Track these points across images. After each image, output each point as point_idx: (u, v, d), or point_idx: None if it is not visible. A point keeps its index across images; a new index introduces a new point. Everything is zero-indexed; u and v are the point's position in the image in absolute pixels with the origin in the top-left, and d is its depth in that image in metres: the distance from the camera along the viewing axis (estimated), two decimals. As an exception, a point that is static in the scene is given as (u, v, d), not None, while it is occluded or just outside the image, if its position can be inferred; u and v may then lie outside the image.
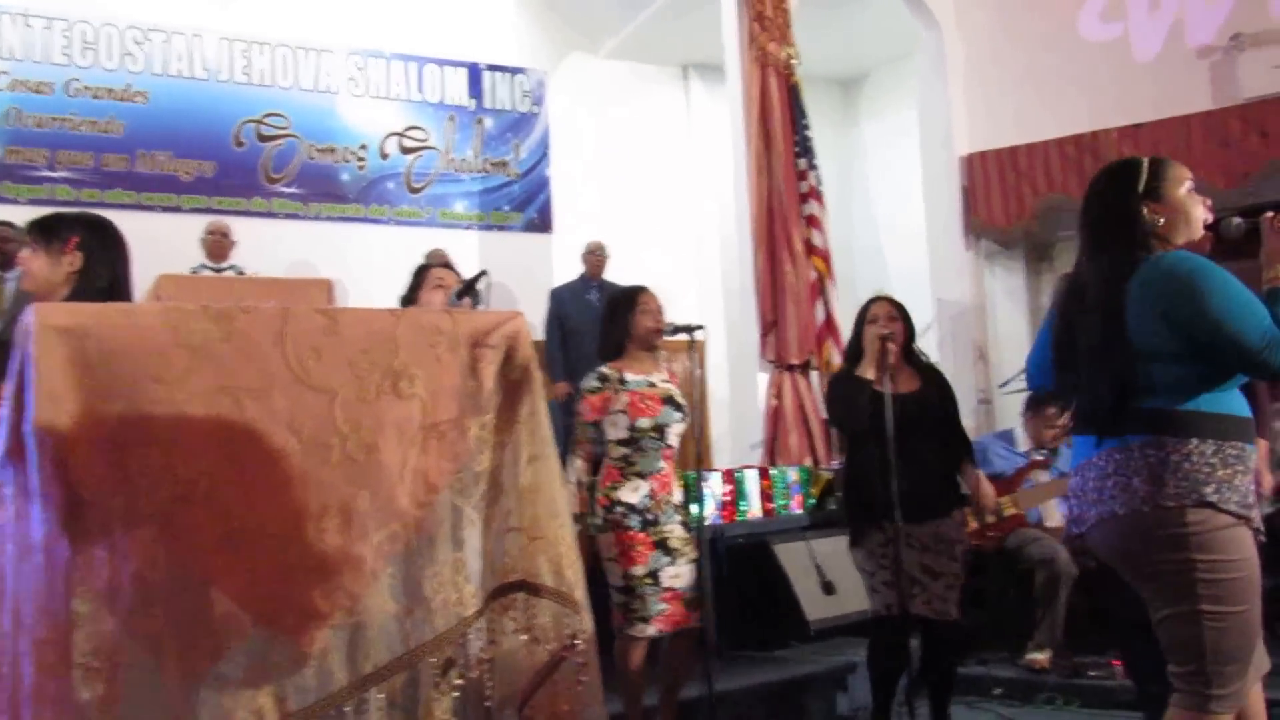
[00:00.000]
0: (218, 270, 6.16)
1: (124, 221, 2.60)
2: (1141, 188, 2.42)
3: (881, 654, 3.86)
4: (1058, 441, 5.05)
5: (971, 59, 7.44)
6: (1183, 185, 2.44)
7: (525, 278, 7.32)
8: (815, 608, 5.05)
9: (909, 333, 3.91)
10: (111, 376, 1.94)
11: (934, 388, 3.88)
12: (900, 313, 3.90)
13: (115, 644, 1.90)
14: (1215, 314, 2.25)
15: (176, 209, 6.74)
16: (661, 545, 3.56)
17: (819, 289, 6.54)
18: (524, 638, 2.31)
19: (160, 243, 5.94)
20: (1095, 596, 4.67)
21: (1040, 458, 5.02)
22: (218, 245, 6.20)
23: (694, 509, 3.83)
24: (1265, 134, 6.24)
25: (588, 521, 3.65)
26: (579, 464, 3.68)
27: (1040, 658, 4.63)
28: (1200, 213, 2.44)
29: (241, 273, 6.21)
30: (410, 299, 3.44)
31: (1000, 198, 7.15)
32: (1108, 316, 2.37)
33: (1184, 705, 2.29)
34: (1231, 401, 2.34)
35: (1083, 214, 2.53)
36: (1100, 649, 4.57)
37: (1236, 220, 2.44)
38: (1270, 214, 2.39)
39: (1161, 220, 2.40)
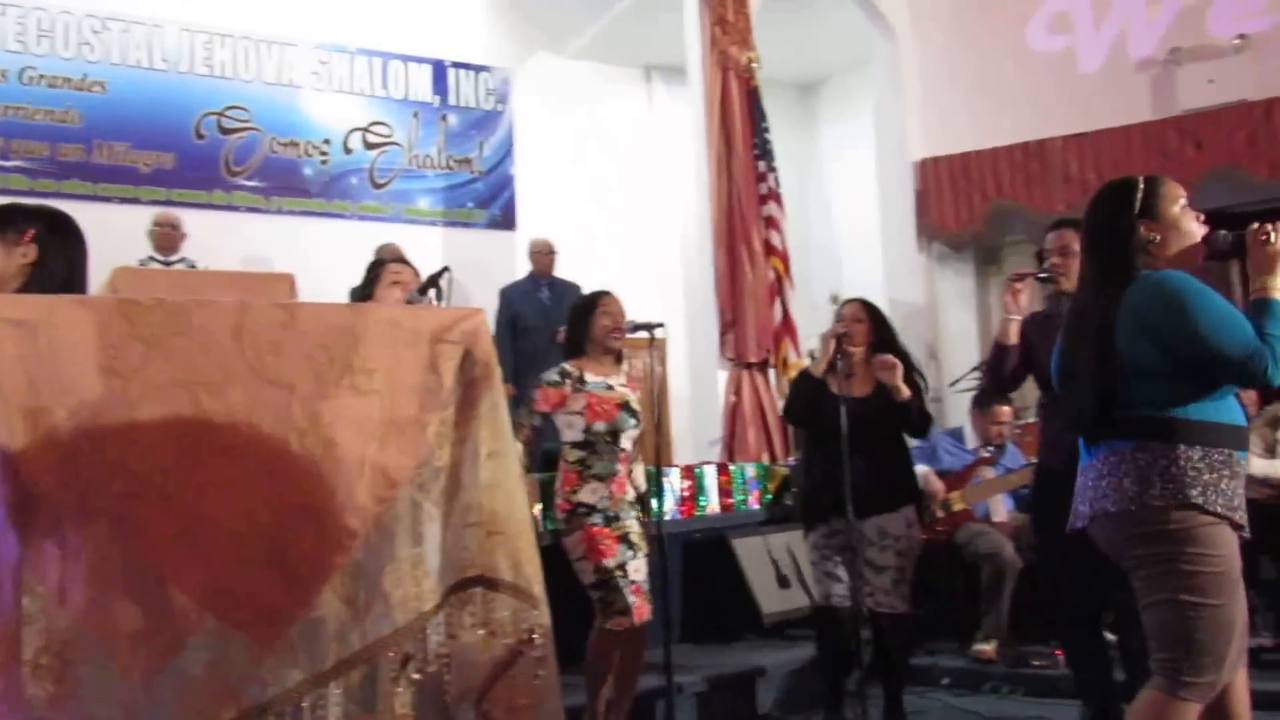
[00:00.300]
0: (167, 263, 6.00)
1: (80, 212, 2.55)
2: (1137, 207, 2.52)
3: (824, 643, 3.97)
4: (1004, 439, 5.18)
5: (925, 68, 7.61)
6: (1177, 203, 2.52)
7: (488, 275, 7.28)
8: (770, 601, 5.15)
9: (881, 335, 3.98)
10: (64, 370, 1.91)
11: (884, 388, 3.92)
12: (869, 315, 3.98)
13: (67, 641, 1.87)
14: (1199, 329, 2.38)
15: (135, 200, 6.63)
16: (624, 539, 3.61)
17: (777, 289, 6.66)
18: (482, 632, 2.30)
19: (117, 235, 5.83)
20: (1039, 589, 4.81)
21: (987, 454, 5.13)
22: (167, 238, 6.04)
23: (654, 504, 3.89)
24: (1200, 145, 6.48)
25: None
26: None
27: (986, 648, 4.73)
28: (1195, 228, 2.53)
29: (193, 265, 6.08)
30: (365, 295, 3.38)
31: (951, 202, 7.33)
32: (1098, 330, 2.52)
33: (1157, 687, 2.41)
34: (1221, 410, 2.44)
35: (1084, 233, 2.65)
36: (1043, 639, 4.68)
37: (1224, 233, 2.52)
38: (1255, 226, 2.46)
39: (1156, 237, 2.50)
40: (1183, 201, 2.54)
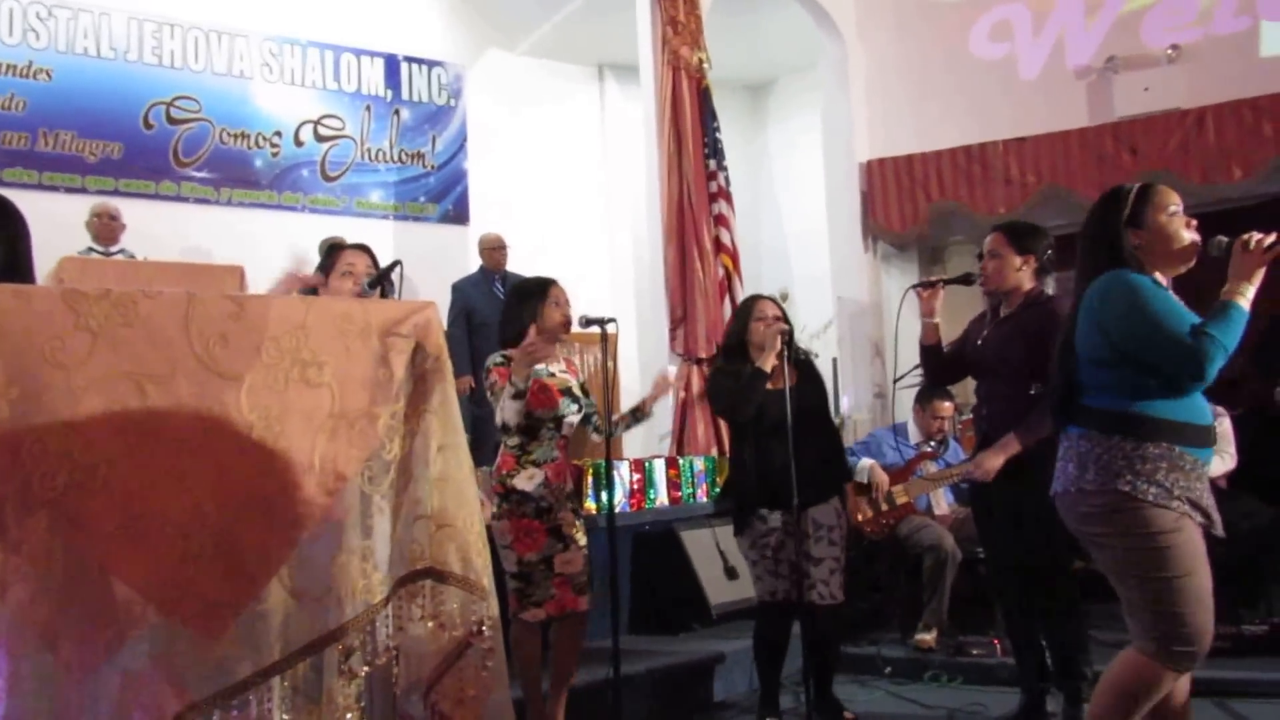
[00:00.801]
0: (106, 254, 5.95)
1: (24, 201, 2.49)
2: (1125, 214, 2.61)
3: (764, 638, 3.99)
4: (945, 434, 5.27)
5: (872, 71, 7.73)
6: (1165, 210, 2.61)
7: (441, 269, 7.28)
8: (718, 592, 5.21)
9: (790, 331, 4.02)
10: (6, 361, 1.87)
11: (810, 381, 4.02)
12: (782, 311, 4.05)
13: (6, 634, 1.84)
14: (1139, 323, 2.51)
15: (81, 190, 6.54)
16: (554, 532, 3.60)
17: (726, 286, 6.71)
18: (431, 624, 2.29)
19: (63, 224, 5.78)
20: (978, 580, 4.92)
21: (929, 449, 5.21)
22: (106, 228, 5.96)
23: (604, 496, 3.89)
24: (1135, 151, 6.66)
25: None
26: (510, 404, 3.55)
27: (927, 638, 4.79)
28: (1183, 234, 2.60)
29: (132, 257, 6.02)
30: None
31: (896, 203, 7.45)
32: (1066, 326, 2.69)
33: (1143, 650, 2.53)
34: (1174, 407, 2.53)
35: (1080, 238, 2.75)
36: (982, 629, 4.79)
37: (1218, 239, 2.58)
38: (1246, 236, 2.52)
39: (1139, 243, 2.60)
40: (1172, 209, 2.62)
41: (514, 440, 3.66)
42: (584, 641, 3.74)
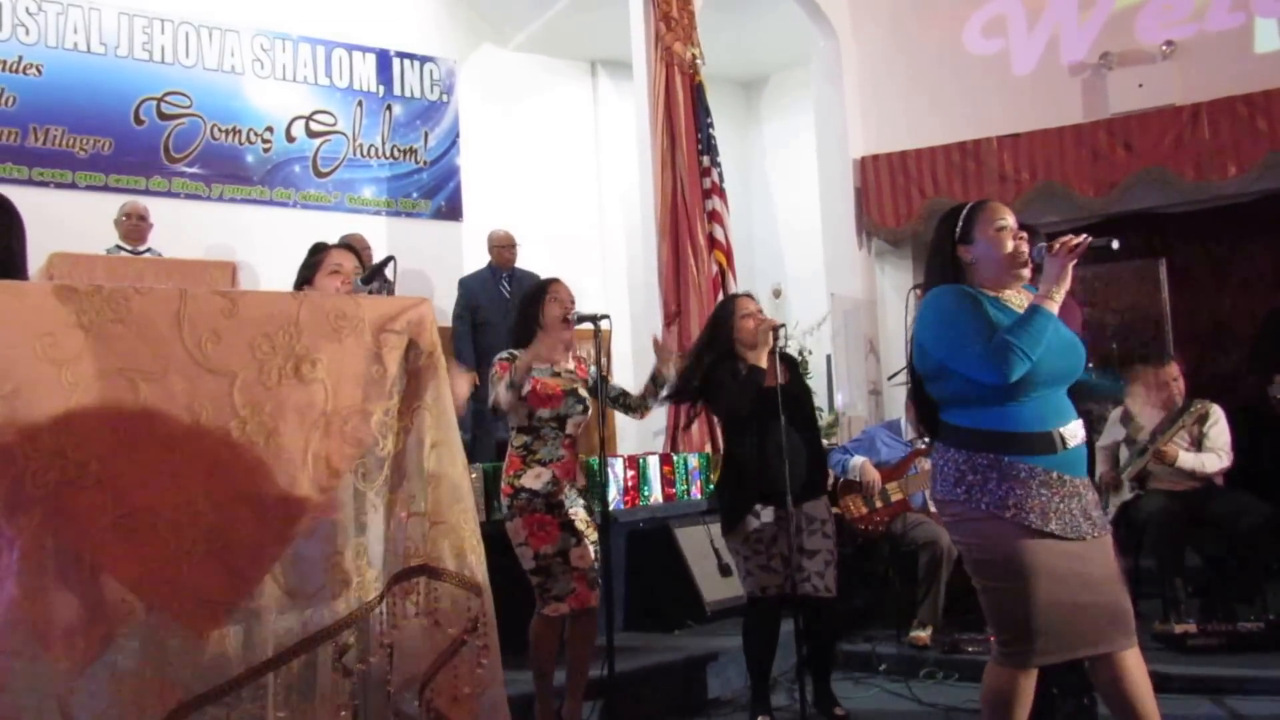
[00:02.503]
0: (135, 253, 5.96)
1: (15, 196, 2.49)
2: (957, 233, 2.72)
3: (754, 635, 4.00)
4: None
5: (865, 67, 7.73)
6: (994, 224, 2.69)
7: (434, 265, 7.30)
8: (712, 589, 5.23)
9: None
10: None
11: (797, 378, 4.06)
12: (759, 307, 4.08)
13: None
14: (945, 333, 2.62)
15: (72, 186, 6.53)
16: (567, 527, 3.65)
17: (720, 282, 6.70)
18: (425, 621, 2.29)
19: (54, 220, 5.77)
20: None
21: (923, 446, 5.18)
22: (135, 229, 5.99)
23: (598, 493, 3.92)
24: (1129, 147, 6.68)
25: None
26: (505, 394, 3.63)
27: (922, 635, 4.80)
28: (1006, 246, 2.67)
29: (160, 256, 6.03)
30: (307, 281, 3.30)
31: (890, 199, 7.46)
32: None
33: (994, 655, 2.70)
34: (995, 417, 2.60)
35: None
36: (978, 626, 4.73)
37: (1040, 245, 2.70)
38: (1051, 243, 2.63)
39: (970, 259, 2.70)
40: (999, 223, 2.70)
41: (519, 441, 3.71)
42: (596, 636, 3.76)
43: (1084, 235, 2.60)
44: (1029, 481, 2.57)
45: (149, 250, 6.07)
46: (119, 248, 6.00)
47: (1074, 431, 2.64)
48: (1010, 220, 2.72)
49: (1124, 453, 5.07)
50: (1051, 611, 2.55)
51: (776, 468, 3.77)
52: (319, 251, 3.39)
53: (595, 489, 3.96)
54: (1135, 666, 2.63)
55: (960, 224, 2.73)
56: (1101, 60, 6.90)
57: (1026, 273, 2.71)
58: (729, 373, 3.95)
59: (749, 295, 4.16)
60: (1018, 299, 2.71)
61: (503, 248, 6.77)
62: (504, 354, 3.76)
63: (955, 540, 2.76)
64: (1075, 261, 2.59)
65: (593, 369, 3.79)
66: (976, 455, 2.60)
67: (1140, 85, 6.72)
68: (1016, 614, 2.57)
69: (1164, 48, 6.72)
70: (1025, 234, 2.73)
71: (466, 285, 6.73)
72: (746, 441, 3.95)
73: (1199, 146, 6.48)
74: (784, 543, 3.83)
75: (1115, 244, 2.63)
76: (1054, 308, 2.57)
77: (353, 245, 4.15)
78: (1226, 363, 6.69)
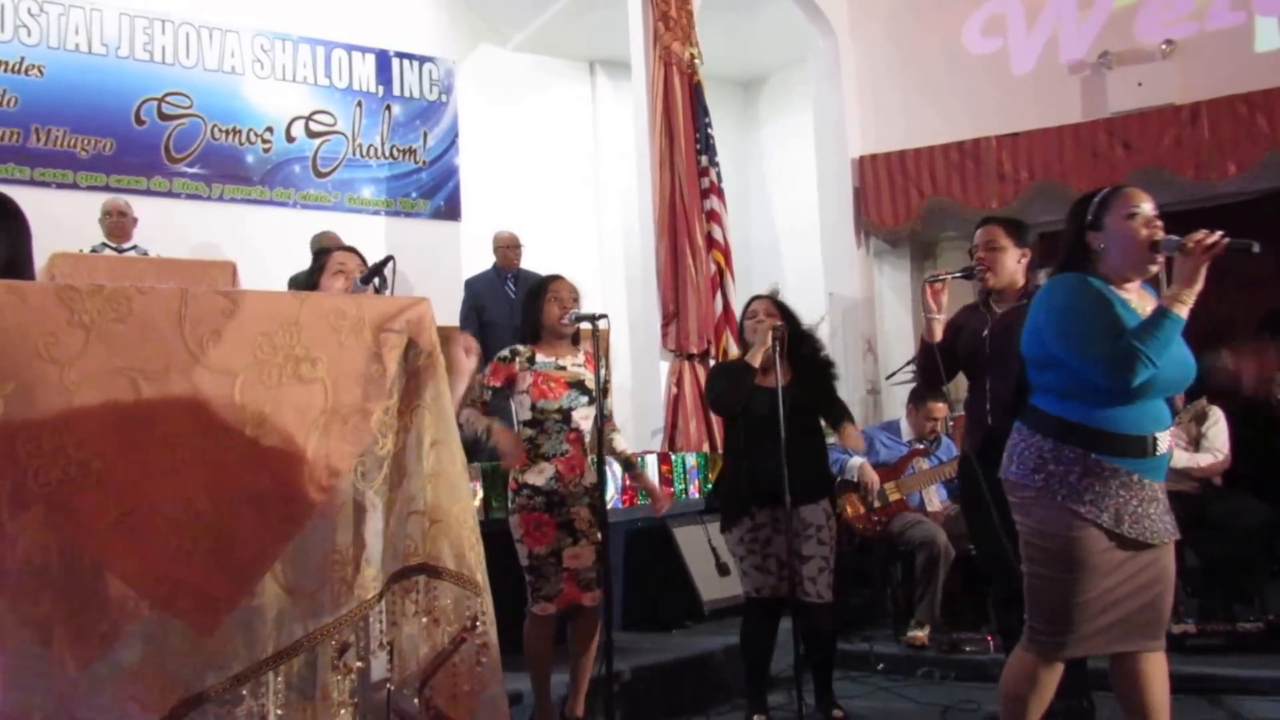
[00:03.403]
0: (119, 250, 5.98)
1: (17, 197, 2.49)
2: (1089, 219, 2.65)
3: (753, 634, 4.00)
4: (938, 434, 5.29)
5: (864, 67, 7.73)
6: (1124, 212, 2.61)
7: (433, 265, 7.30)
8: (710, 588, 5.23)
9: (790, 329, 4.02)
10: (0, 356, 1.88)
11: (808, 377, 4.01)
12: (779, 310, 4.04)
13: (1, 629, 1.84)
14: (1067, 328, 2.57)
15: (73, 186, 6.55)
16: (565, 526, 3.65)
17: (719, 282, 6.72)
18: (424, 620, 2.30)
19: (56, 220, 5.75)
20: (971, 577, 4.92)
21: (922, 447, 5.24)
22: (118, 225, 6.00)
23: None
24: (1129, 146, 6.66)
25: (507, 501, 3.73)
26: (469, 415, 3.62)
27: (920, 635, 4.81)
28: (1139, 235, 2.58)
29: (144, 253, 6.05)
30: (310, 283, 3.37)
31: (889, 199, 7.45)
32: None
33: (1022, 641, 2.70)
34: (1093, 414, 2.56)
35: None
36: (975, 626, 4.81)
37: (1168, 238, 2.57)
38: (1195, 237, 2.49)
39: (1102, 246, 2.62)
40: (1133, 210, 2.62)
41: (525, 435, 3.73)
42: (596, 636, 3.76)
43: (1220, 233, 2.47)
44: (1110, 481, 2.56)
45: (134, 248, 6.06)
46: (104, 245, 5.99)
47: (1166, 437, 2.61)
48: (1146, 207, 2.62)
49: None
50: (1093, 609, 2.56)
51: (770, 470, 3.76)
52: (321, 255, 3.48)
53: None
54: (1158, 667, 2.65)
55: (1092, 209, 2.65)
56: (1101, 59, 6.88)
57: (1155, 268, 2.62)
58: (725, 370, 4.00)
59: (766, 296, 4.14)
60: (1136, 300, 2.63)
61: (508, 248, 6.80)
62: (505, 351, 3.81)
63: (1019, 522, 2.70)
64: (1209, 262, 2.47)
65: (601, 368, 3.81)
66: (1064, 446, 2.58)
67: (1140, 84, 6.71)
68: (1057, 604, 2.59)
69: (1164, 47, 6.71)
70: (1160, 224, 2.62)
71: (472, 286, 6.75)
72: (740, 440, 3.97)
73: (1199, 146, 6.46)
74: (779, 545, 3.84)
75: (1256, 247, 2.47)
76: (1184, 312, 2.47)
77: (339, 244, 4.19)
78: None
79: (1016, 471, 2.67)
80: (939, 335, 3.67)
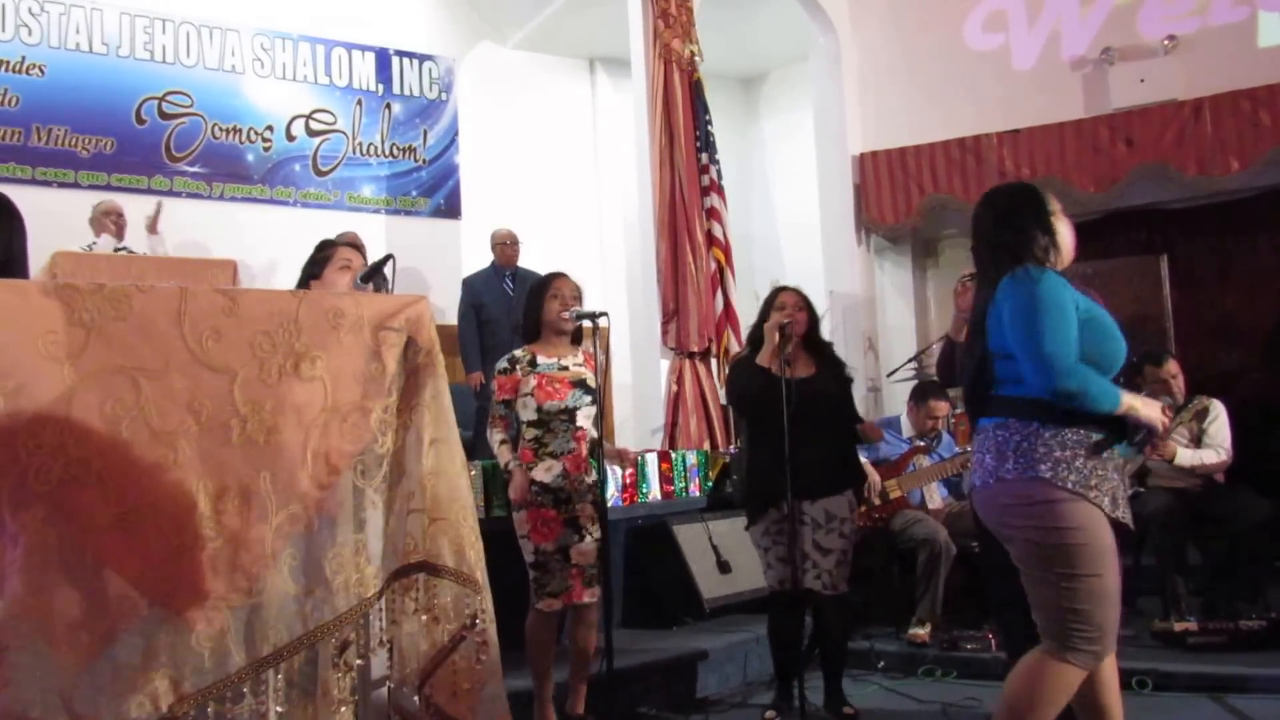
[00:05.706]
0: (114, 250, 5.98)
1: (18, 196, 2.51)
2: (1036, 214, 2.64)
3: (779, 627, 4.01)
4: (939, 431, 5.29)
5: (864, 63, 7.71)
6: (1058, 211, 2.66)
7: (433, 263, 7.32)
8: (711, 586, 5.20)
9: (812, 322, 4.06)
10: (1, 354, 1.89)
11: (829, 373, 4.03)
12: (805, 303, 4.06)
13: (2, 627, 1.85)
14: (1034, 329, 2.49)
15: (74, 185, 6.57)
16: (571, 523, 3.67)
17: (719, 279, 6.72)
18: (424, 618, 2.31)
19: (56, 219, 5.80)
20: (972, 574, 4.91)
21: (922, 444, 5.22)
22: (110, 226, 6.01)
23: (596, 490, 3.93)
24: (1131, 142, 6.65)
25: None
26: (502, 446, 3.73)
27: (921, 632, 4.81)
28: (1067, 233, 2.65)
29: (132, 253, 6.05)
30: (315, 276, 3.36)
31: (889, 196, 7.43)
32: (979, 317, 2.69)
33: (1046, 650, 2.53)
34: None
35: (985, 229, 2.74)
36: (976, 624, 4.78)
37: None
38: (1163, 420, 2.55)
39: (1049, 243, 2.62)
40: (1058, 207, 2.68)
41: (530, 434, 3.74)
42: (595, 632, 3.77)
43: (1165, 421, 2.56)
44: (1107, 463, 2.51)
45: (124, 248, 6.05)
46: (94, 244, 5.98)
47: None
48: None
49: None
50: (1113, 606, 2.49)
51: (780, 463, 3.78)
52: (327, 247, 3.45)
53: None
54: (1114, 667, 2.61)
55: (1043, 207, 2.67)
56: (1103, 55, 6.86)
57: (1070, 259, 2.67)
58: (744, 363, 4.05)
59: (793, 289, 4.13)
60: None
61: (505, 246, 6.78)
62: (504, 363, 3.81)
63: (1015, 526, 2.55)
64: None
65: (600, 358, 3.82)
66: (1066, 430, 2.49)
67: (1142, 80, 6.70)
68: (1088, 606, 2.46)
69: (1166, 42, 6.69)
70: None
71: (470, 284, 6.72)
72: (757, 436, 3.99)
73: (1201, 141, 6.44)
74: (804, 537, 3.86)
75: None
76: (1121, 410, 2.49)
77: (357, 244, 4.19)
78: (1229, 359, 6.68)
79: (1016, 467, 2.51)
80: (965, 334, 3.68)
